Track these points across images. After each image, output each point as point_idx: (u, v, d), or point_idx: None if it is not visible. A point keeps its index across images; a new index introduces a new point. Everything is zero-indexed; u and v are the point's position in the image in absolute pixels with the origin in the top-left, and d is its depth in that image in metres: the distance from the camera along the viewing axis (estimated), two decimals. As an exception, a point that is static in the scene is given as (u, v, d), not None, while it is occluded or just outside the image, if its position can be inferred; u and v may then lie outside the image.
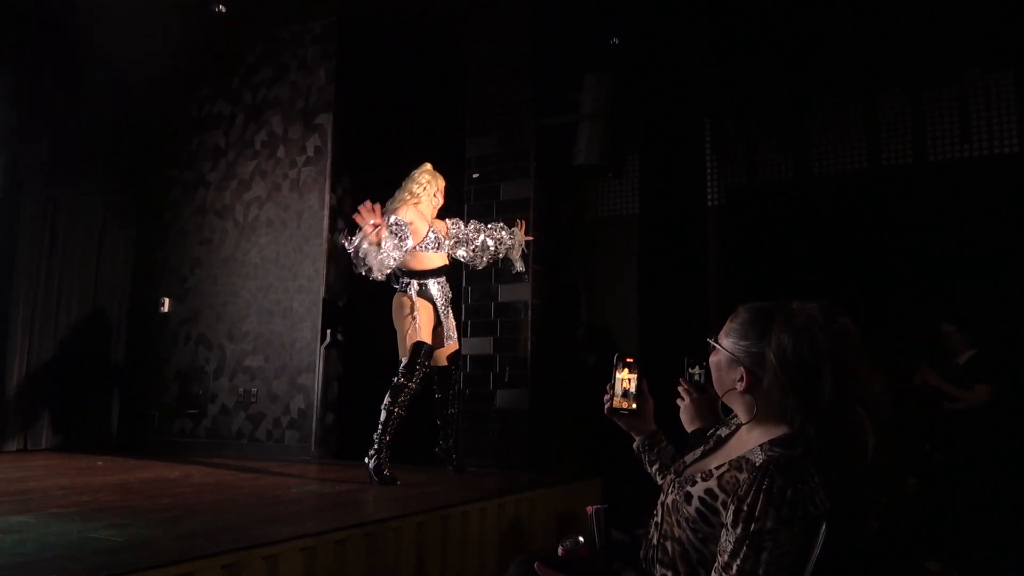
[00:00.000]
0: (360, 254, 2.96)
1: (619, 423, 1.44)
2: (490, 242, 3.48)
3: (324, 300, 4.58)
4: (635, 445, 1.47)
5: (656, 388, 1.49)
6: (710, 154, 4.56)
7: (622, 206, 4.80)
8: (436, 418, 3.42)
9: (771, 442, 1.09)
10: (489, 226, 3.53)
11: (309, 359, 4.54)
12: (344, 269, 4.81)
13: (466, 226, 3.54)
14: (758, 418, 1.13)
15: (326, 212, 4.68)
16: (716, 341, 1.20)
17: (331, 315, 4.60)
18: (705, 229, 4.50)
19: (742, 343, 1.15)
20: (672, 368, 1.57)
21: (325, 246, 4.64)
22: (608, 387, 1.41)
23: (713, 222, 4.55)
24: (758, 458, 1.08)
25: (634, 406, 1.40)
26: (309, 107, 4.88)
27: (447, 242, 3.42)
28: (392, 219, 3.15)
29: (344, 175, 4.85)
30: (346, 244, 3.03)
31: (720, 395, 1.21)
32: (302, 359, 4.57)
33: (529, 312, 4.10)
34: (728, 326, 1.19)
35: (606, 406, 1.41)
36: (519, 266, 3.58)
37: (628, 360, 1.41)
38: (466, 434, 4.03)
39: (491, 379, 4.10)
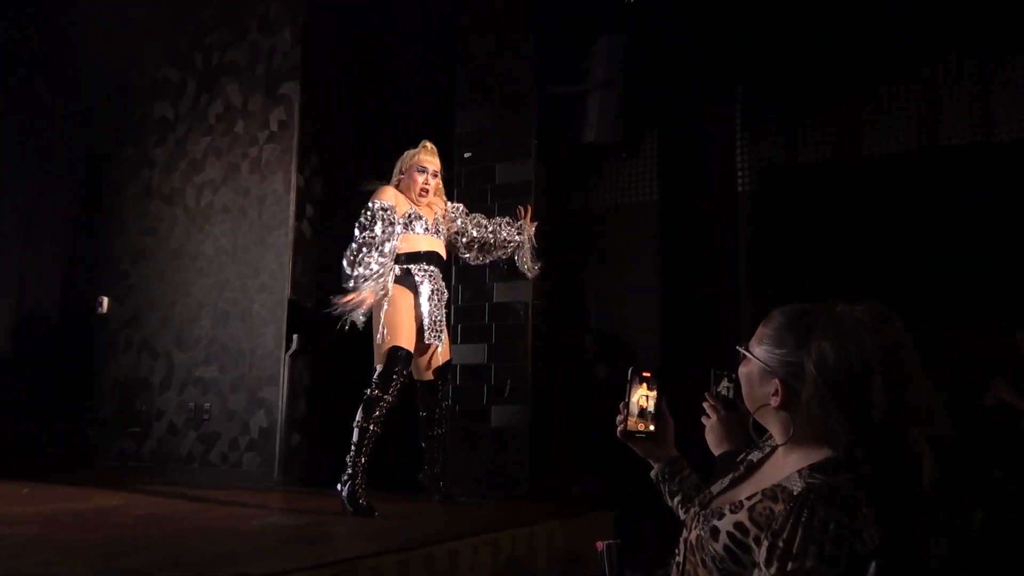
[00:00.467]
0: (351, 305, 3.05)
1: (634, 448, 1.44)
2: (490, 237, 3.48)
3: (290, 300, 4.58)
4: (653, 473, 1.47)
5: (677, 404, 1.49)
6: (740, 131, 4.55)
7: (639, 191, 4.79)
8: (420, 439, 3.42)
9: (811, 467, 1.09)
10: (490, 223, 3.51)
11: (272, 370, 4.53)
12: (313, 262, 4.80)
13: (464, 211, 3.53)
14: (796, 438, 1.13)
15: (292, 197, 4.68)
16: (747, 349, 1.20)
17: (298, 318, 4.59)
18: (735, 217, 4.49)
19: (777, 351, 1.15)
20: (697, 380, 1.57)
21: (291, 236, 4.63)
22: (621, 406, 1.41)
23: (744, 209, 4.54)
24: (796, 486, 1.07)
25: (652, 428, 1.41)
26: (272, 73, 4.87)
27: (442, 226, 3.41)
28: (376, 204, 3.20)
29: (313, 153, 4.84)
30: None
31: (752, 412, 1.21)
32: (263, 369, 4.56)
33: (530, 315, 4.09)
34: (761, 332, 1.20)
35: (619, 428, 1.41)
36: (530, 269, 3.56)
37: (645, 375, 1.41)
38: (455, 457, 4.03)
39: (485, 393, 4.10)
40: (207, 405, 4.68)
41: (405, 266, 3.26)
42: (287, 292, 4.58)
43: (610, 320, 4.68)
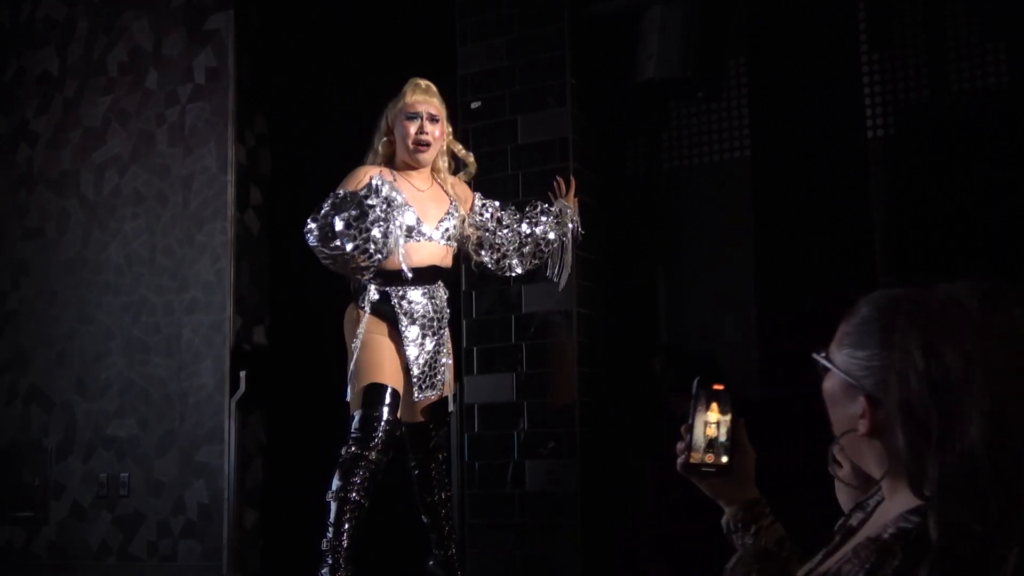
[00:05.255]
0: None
1: (700, 486, 1.48)
2: (528, 242, 3.47)
3: (233, 322, 4.65)
4: (724, 520, 1.50)
5: (786, 449, 1.51)
6: (868, 54, 4.54)
7: (723, 146, 4.80)
8: (420, 510, 3.46)
9: (913, 510, 1.10)
10: (524, 227, 3.48)
11: (212, 422, 4.62)
12: (264, 267, 4.86)
13: (497, 218, 3.49)
14: (896, 475, 1.15)
15: (231, 177, 4.76)
16: (826, 356, 1.23)
17: (246, 347, 4.66)
18: (864, 176, 4.47)
19: (858, 354, 1.17)
20: (817, 416, 1.58)
21: (231, 232, 4.72)
22: (684, 430, 1.44)
23: (877, 163, 4.53)
24: (888, 533, 1.10)
25: (724, 460, 1.44)
26: (195, 3, 4.96)
27: (456, 223, 3.40)
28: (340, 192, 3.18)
29: (258, 113, 4.92)
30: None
31: (837, 442, 1.24)
32: (201, 422, 4.65)
33: (574, 331, 4.12)
34: (841, 331, 1.22)
35: (679, 460, 1.45)
36: (563, 274, 3.51)
37: (715, 389, 1.43)
38: (476, 537, 4.07)
39: (515, 444, 4.14)
40: (124, 475, 4.77)
41: (383, 288, 3.30)
42: (228, 312, 4.66)
43: (689, 332, 4.69)
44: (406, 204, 3.24)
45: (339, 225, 3.04)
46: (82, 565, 4.78)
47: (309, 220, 3.10)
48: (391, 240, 3.12)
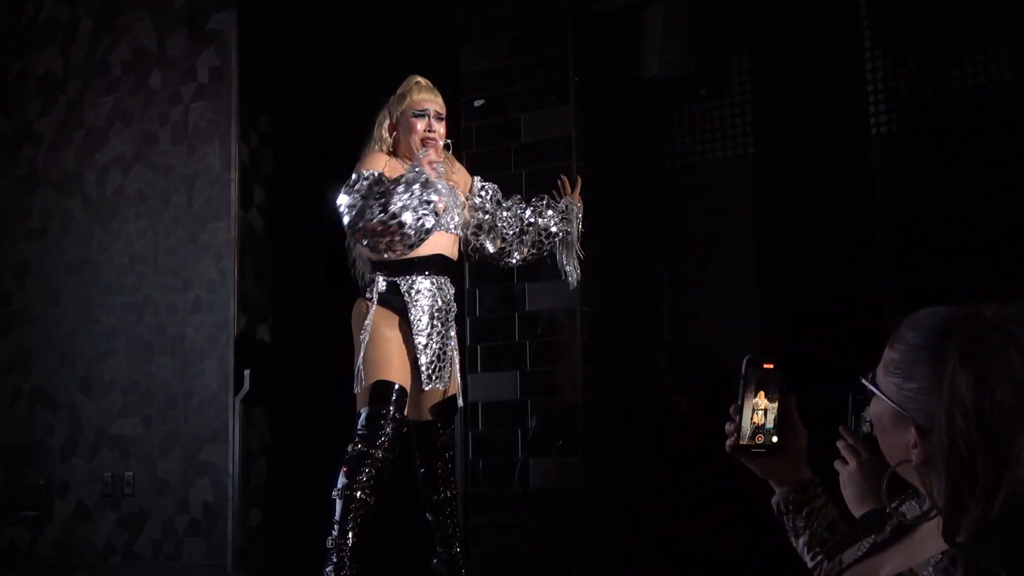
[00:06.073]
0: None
1: (750, 466, 1.46)
2: (529, 231, 3.47)
3: (237, 321, 4.66)
4: (774, 501, 1.49)
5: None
6: (871, 51, 4.54)
7: (726, 143, 4.80)
8: (424, 507, 3.47)
9: (949, 554, 1.07)
10: (528, 214, 3.48)
11: (217, 421, 4.63)
12: (267, 266, 4.87)
13: (496, 199, 3.50)
14: None
15: (234, 175, 4.77)
16: (873, 380, 1.22)
17: (250, 346, 4.66)
18: (867, 173, 4.48)
19: (908, 385, 1.15)
20: (824, 410, 1.59)
21: (235, 231, 4.73)
22: (732, 411, 1.43)
23: (880, 160, 4.53)
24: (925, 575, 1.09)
25: (775, 440, 1.43)
26: (198, 2, 4.97)
27: (459, 212, 3.40)
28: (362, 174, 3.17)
29: (261, 113, 4.93)
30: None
31: (892, 466, 1.23)
32: (205, 422, 4.66)
33: (578, 328, 4.13)
34: (887, 355, 1.21)
35: (728, 441, 1.44)
36: (572, 272, 3.53)
37: (766, 367, 1.42)
38: (480, 533, 4.08)
39: (519, 442, 4.14)
40: (129, 474, 4.78)
41: (391, 279, 3.31)
42: (232, 311, 4.67)
43: (692, 329, 4.69)
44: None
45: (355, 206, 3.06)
46: (87, 564, 4.79)
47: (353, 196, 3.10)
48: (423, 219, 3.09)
